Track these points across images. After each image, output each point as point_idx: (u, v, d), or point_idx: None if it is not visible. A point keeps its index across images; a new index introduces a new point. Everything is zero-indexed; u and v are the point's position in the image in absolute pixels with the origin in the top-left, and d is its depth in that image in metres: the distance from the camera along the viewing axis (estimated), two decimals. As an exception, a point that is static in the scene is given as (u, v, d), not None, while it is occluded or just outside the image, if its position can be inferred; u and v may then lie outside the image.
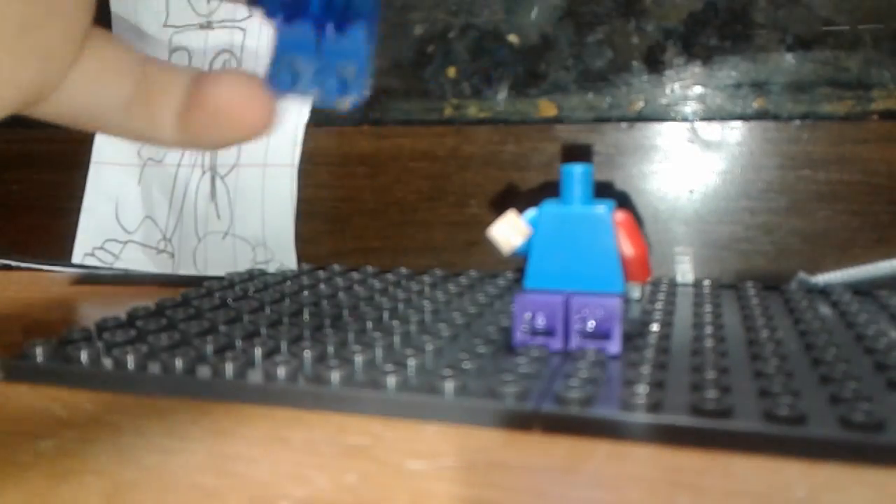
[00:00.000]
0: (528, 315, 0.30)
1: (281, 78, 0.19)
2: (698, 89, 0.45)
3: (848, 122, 0.42)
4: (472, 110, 0.48)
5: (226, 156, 0.48)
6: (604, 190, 0.45)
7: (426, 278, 0.43)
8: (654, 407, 0.23)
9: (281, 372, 0.27)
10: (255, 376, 0.27)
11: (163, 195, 0.50)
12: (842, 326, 0.34)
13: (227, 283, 0.43)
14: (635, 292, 0.35)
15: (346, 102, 0.19)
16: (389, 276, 0.44)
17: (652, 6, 0.45)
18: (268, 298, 0.38)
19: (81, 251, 0.51)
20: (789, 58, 0.43)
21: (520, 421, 0.24)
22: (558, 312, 0.29)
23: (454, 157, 0.48)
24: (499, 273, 0.44)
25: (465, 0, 0.48)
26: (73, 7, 0.17)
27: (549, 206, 0.30)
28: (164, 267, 0.50)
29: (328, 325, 0.34)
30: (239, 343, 0.31)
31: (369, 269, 0.46)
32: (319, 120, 0.48)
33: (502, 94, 0.46)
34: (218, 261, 0.48)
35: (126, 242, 0.51)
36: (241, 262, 0.48)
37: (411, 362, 0.27)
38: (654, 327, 0.32)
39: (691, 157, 0.44)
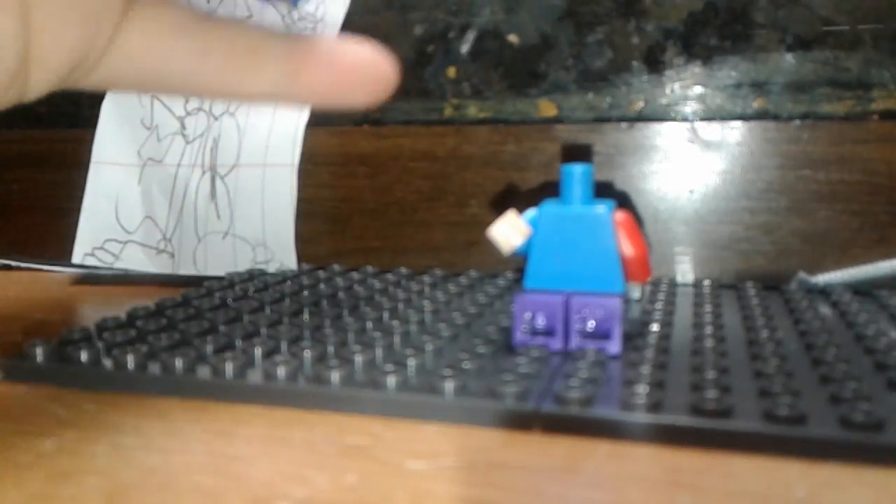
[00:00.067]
0: (528, 315, 0.30)
1: None
2: (698, 89, 0.45)
3: (848, 122, 0.42)
4: (472, 110, 0.48)
5: (226, 156, 0.48)
6: (604, 190, 0.45)
7: (426, 278, 0.43)
8: (654, 407, 0.23)
9: (281, 372, 0.27)
10: (255, 376, 0.27)
11: (163, 195, 0.50)
12: (842, 326, 0.34)
13: (227, 283, 0.43)
14: (635, 292, 0.35)
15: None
16: (389, 276, 0.44)
17: (652, 6, 0.45)
18: (268, 298, 0.38)
19: (81, 251, 0.51)
20: (789, 58, 0.43)
21: (520, 421, 0.24)
22: (558, 312, 0.29)
23: (454, 157, 0.48)
24: (499, 273, 0.44)
25: (465, 0, 0.48)
26: None
27: (549, 206, 0.30)
28: (164, 267, 0.50)
29: (328, 325, 0.34)
30: (239, 343, 0.31)
31: (369, 269, 0.46)
32: (319, 120, 0.48)
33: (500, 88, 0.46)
34: (218, 261, 0.48)
35: (126, 242, 0.51)
36: (241, 262, 0.48)
37: (411, 362, 0.27)
38: (654, 327, 0.32)
39: (691, 157, 0.44)
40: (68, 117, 0.56)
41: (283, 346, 0.30)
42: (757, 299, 0.37)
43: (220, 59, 0.18)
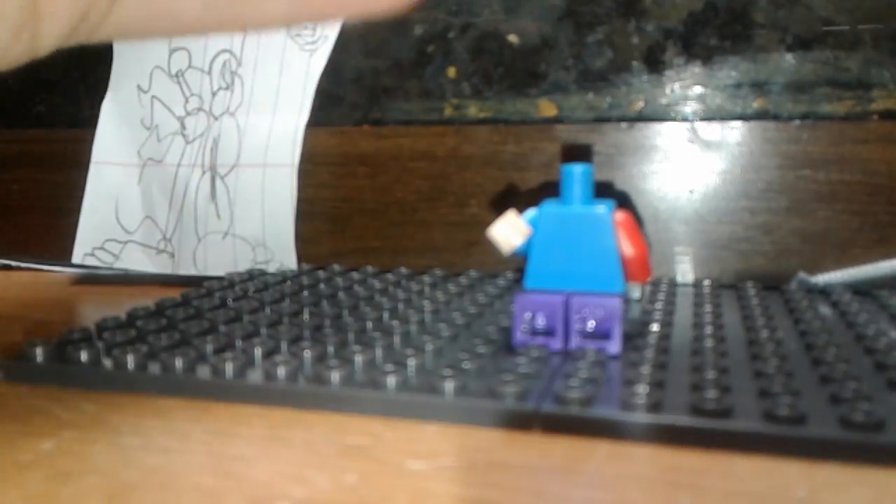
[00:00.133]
0: (528, 315, 0.30)
1: None
2: (698, 89, 0.45)
3: (848, 122, 0.42)
4: (472, 110, 0.48)
5: (226, 156, 0.48)
6: (604, 190, 0.45)
7: (426, 278, 0.43)
8: (654, 407, 0.23)
9: (281, 372, 0.27)
10: (255, 376, 0.27)
11: (163, 195, 0.50)
12: (842, 326, 0.34)
13: (227, 283, 0.43)
14: (635, 292, 0.35)
15: None
16: (389, 276, 0.44)
17: (652, 6, 0.45)
18: (268, 298, 0.38)
19: (81, 251, 0.51)
20: (789, 58, 0.43)
21: (520, 421, 0.24)
22: (558, 312, 0.29)
23: (454, 157, 0.48)
24: (499, 273, 0.44)
25: (465, 0, 0.48)
26: None
27: (549, 206, 0.30)
28: (164, 267, 0.50)
29: (328, 325, 0.34)
30: (239, 343, 0.31)
31: (369, 269, 0.46)
32: (319, 120, 0.48)
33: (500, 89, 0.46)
34: (218, 261, 0.48)
35: (126, 242, 0.51)
36: (241, 262, 0.48)
37: (411, 362, 0.27)
38: (654, 327, 0.32)
39: (691, 157, 0.44)
40: (68, 117, 0.56)
41: (283, 346, 0.30)
42: (757, 299, 0.37)
43: None
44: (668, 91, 0.45)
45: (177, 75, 0.50)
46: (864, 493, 0.20)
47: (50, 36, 0.17)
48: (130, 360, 0.28)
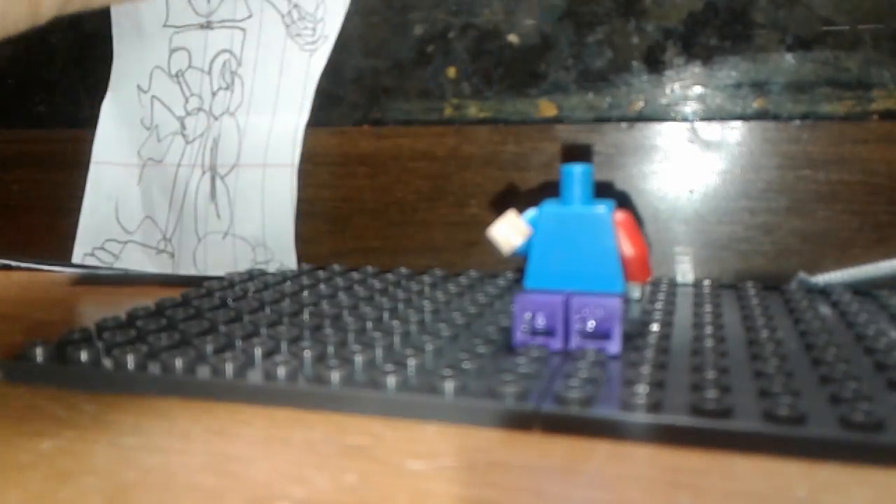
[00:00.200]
0: (528, 315, 0.30)
1: None
2: (698, 89, 0.45)
3: (848, 122, 0.42)
4: (472, 110, 0.48)
5: (226, 156, 0.48)
6: (604, 190, 0.45)
7: (426, 278, 0.43)
8: (654, 407, 0.23)
9: (281, 372, 0.27)
10: (255, 376, 0.27)
11: (163, 195, 0.50)
12: (842, 326, 0.34)
13: (227, 283, 0.43)
14: (635, 292, 0.35)
15: None
16: (389, 276, 0.44)
17: (652, 6, 0.45)
18: (268, 298, 0.38)
19: (81, 251, 0.51)
20: (789, 58, 0.43)
21: (520, 421, 0.24)
22: (558, 312, 0.29)
23: (454, 157, 0.48)
24: (499, 273, 0.44)
25: (465, 0, 0.48)
26: None
27: (549, 206, 0.30)
28: (164, 267, 0.50)
29: (328, 325, 0.34)
30: (239, 343, 0.31)
31: (369, 269, 0.46)
32: (319, 120, 0.48)
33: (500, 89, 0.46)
34: (218, 261, 0.48)
35: (126, 242, 0.51)
36: (241, 262, 0.48)
37: (411, 362, 0.27)
38: (654, 327, 0.32)
39: (691, 157, 0.44)
40: (68, 117, 0.56)
41: (283, 346, 0.30)
42: (757, 299, 0.37)
43: None
44: (668, 91, 0.45)
45: (177, 75, 0.50)
46: (864, 493, 0.20)
47: (50, 1, 0.17)
48: (130, 360, 0.28)
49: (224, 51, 0.49)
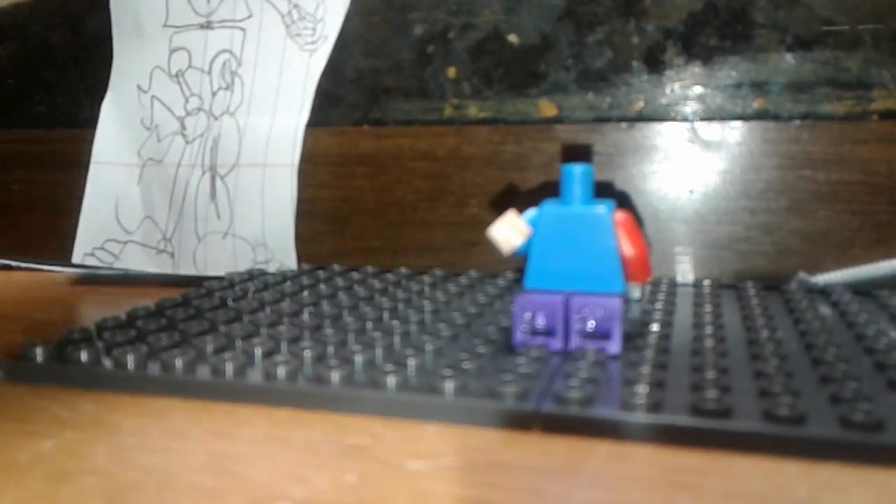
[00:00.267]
0: (528, 315, 0.30)
1: None
2: (698, 89, 0.45)
3: (848, 122, 0.42)
4: (472, 110, 0.48)
5: (226, 156, 0.48)
6: (604, 190, 0.45)
7: (426, 278, 0.43)
8: (654, 407, 0.23)
9: (281, 372, 0.27)
10: (255, 376, 0.27)
11: (163, 195, 0.50)
12: (842, 326, 0.34)
13: (227, 283, 0.43)
14: (635, 292, 0.35)
15: None
16: (389, 276, 0.44)
17: (652, 6, 0.45)
18: (268, 298, 0.38)
19: (81, 251, 0.51)
20: (789, 58, 0.43)
21: (520, 421, 0.24)
22: (558, 312, 0.29)
23: (454, 157, 0.48)
24: (499, 273, 0.44)
25: (465, 0, 0.48)
26: None
27: (549, 206, 0.30)
28: (164, 267, 0.50)
29: (328, 325, 0.34)
30: (239, 343, 0.31)
31: (369, 269, 0.46)
32: (319, 120, 0.48)
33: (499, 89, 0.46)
34: (218, 261, 0.48)
35: (126, 242, 0.51)
36: (241, 262, 0.48)
37: (411, 362, 0.27)
38: (654, 327, 0.32)
39: (691, 157, 0.44)
40: (68, 117, 0.56)
41: (283, 346, 0.30)
42: (757, 299, 0.37)
43: None
44: (668, 91, 0.45)
45: (177, 75, 0.50)
46: (864, 493, 0.20)
47: None
48: (130, 360, 0.28)
49: (224, 51, 0.49)
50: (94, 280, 0.51)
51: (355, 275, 0.44)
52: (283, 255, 0.47)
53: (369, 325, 0.33)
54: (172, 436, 0.24)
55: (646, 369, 0.26)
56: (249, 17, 0.48)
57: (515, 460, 0.22)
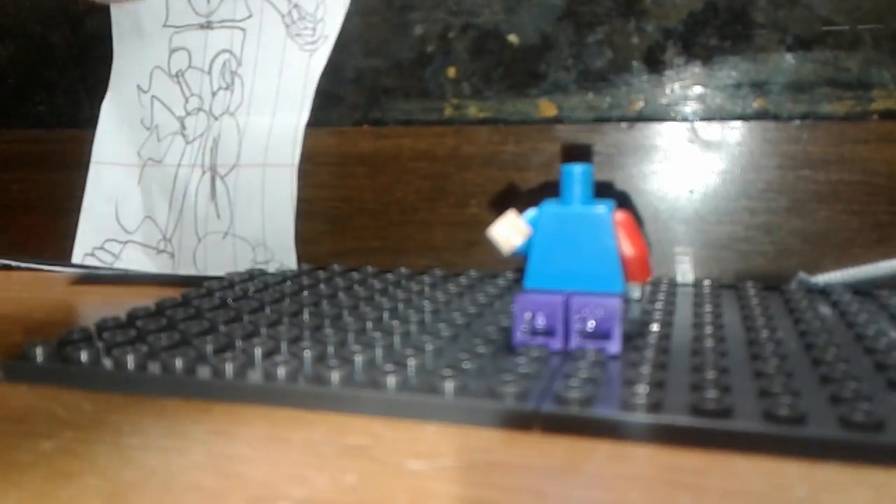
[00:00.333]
0: (528, 315, 0.30)
1: None
2: (698, 89, 0.45)
3: (848, 122, 0.42)
4: (472, 110, 0.48)
5: (226, 156, 0.48)
6: (604, 190, 0.45)
7: (426, 278, 0.43)
8: (654, 407, 0.23)
9: (281, 372, 0.27)
10: (255, 376, 0.27)
11: (163, 195, 0.50)
12: (842, 326, 0.34)
13: (227, 283, 0.43)
14: (635, 292, 0.35)
15: None
16: (389, 276, 0.44)
17: (652, 6, 0.45)
18: (268, 298, 0.38)
19: (81, 251, 0.51)
20: (789, 58, 0.43)
21: (520, 421, 0.24)
22: (558, 312, 0.29)
23: (454, 157, 0.48)
24: (499, 273, 0.44)
25: (465, 0, 0.48)
26: None
27: (549, 206, 0.30)
28: (164, 267, 0.50)
29: (328, 325, 0.34)
30: (239, 343, 0.31)
31: (369, 269, 0.46)
32: (319, 120, 0.48)
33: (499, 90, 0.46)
34: (218, 261, 0.48)
35: (126, 242, 0.51)
36: (241, 262, 0.48)
37: (411, 362, 0.27)
38: (654, 327, 0.32)
39: (691, 157, 0.44)
40: (68, 117, 0.56)
41: (283, 346, 0.30)
42: (757, 299, 0.37)
43: None
44: (668, 91, 0.45)
45: (177, 75, 0.50)
46: (864, 493, 0.20)
47: None
48: (130, 360, 0.28)
49: (224, 51, 0.49)
50: (94, 280, 0.51)
51: (355, 275, 0.44)
52: (283, 255, 0.47)
53: (369, 325, 0.33)
54: (172, 436, 0.24)
55: (646, 369, 0.26)
56: (249, 17, 0.48)
57: (515, 460, 0.22)
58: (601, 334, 0.29)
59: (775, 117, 0.44)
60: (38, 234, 0.56)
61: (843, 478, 0.20)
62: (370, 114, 0.50)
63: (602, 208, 0.30)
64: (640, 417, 0.23)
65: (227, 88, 0.49)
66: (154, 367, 0.28)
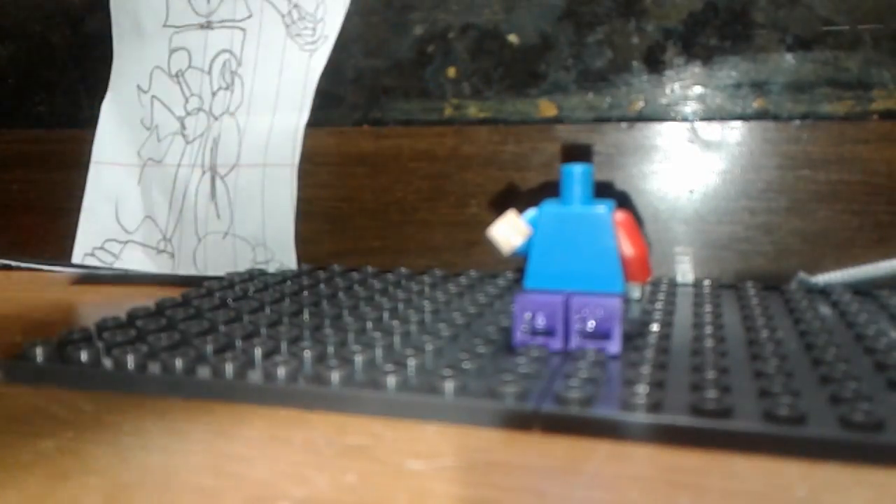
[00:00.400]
0: (528, 315, 0.30)
1: None
2: (698, 89, 0.45)
3: (848, 122, 0.42)
4: (472, 110, 0.48)
5: (226, 156, 0.48)
6: (604, 190, 0.45)
7: (426, 278, 0.43)
8: (654, 407, 0.23)
9: (281, 372, 0.27)
10: (255, 376, 0.27)
11: (163, 195, 0.50)
12: (842, 326, 0.34)
13: (227, 283, 0.43)
14: (635, 292, 0.35)
15: None
16: (389, 276, 0.44)
17: (652, 6, 0.45)
18: (268, 298, 0.38)
19: (81, 251, 0.51)
20: (789, 58, 0.43)
21: (520, 421, 0.24)
22: (558, 312, 0.29)
23: (454, 157, 0.48)
24: (499, 273, 0.44)
25: (465, 0, 0.48)
26: None
27: (549, 206, 0.30)
28: (164, 267, 0.50)
29: (328, 325, 0.34)
30: (239, 343, 0.31)
31: (369, 269, 0.46)
32: (319, 120, 0.48)
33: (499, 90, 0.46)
34: (218, 261, 0.48)
35: (126, 242, 0.51)
36: (241, 262, 0.48)
37: (411, 362, 0.27)
38: (654, 327, 0.32)
39: (691, 157, 0.44)
40: (68, 117, 0.56)
41: (283, 346, 0.30)
42: (757, 299, 0.37)
43: None
44: (668, 91, 0.45)
45: (177, 75, 0.50)
46: (864, 493, 0.20)
47: None
48: (130, 360, 0.28)
49: (224, 51, 0.49)
50: (94, 280, 0.51)
51: (355, 275, 0.44)
52: (283, 255, 0.47)
53: (369, 325, 0.33)
54: (172, 436, 0.24)
55: (646, 369, 0.26)
56: (249, 17, 0.48)
57: (515, 460, 0.22)
58: (601, 334, 0.29)
59: (775, 117, 0.44)
60: (38, 234, 0.56)
61: (843, 478, 0.20)
62: (370, 114, 0.50)
63: (602, 208, 0.30)
64: (640, 417, 0.23)
65: (227, 88, 0.49)
66: (154, 367, 0.28)
